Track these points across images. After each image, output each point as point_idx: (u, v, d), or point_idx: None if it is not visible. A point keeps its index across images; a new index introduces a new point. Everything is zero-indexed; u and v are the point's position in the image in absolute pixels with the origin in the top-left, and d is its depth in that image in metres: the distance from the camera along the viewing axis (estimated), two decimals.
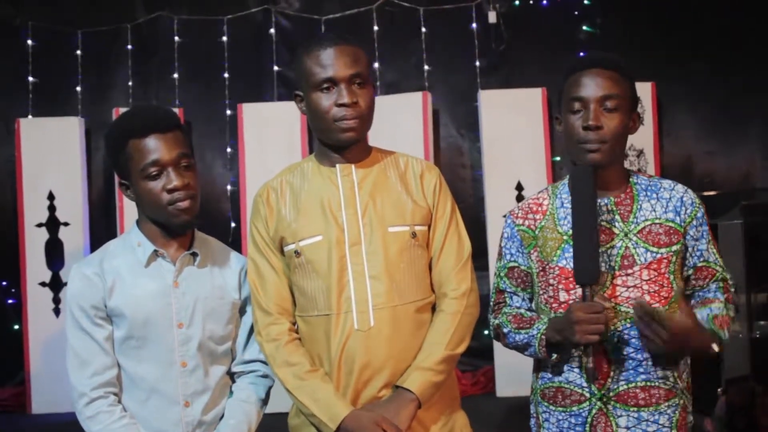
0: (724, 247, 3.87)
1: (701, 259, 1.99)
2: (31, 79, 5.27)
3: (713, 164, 5.42)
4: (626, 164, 5.02)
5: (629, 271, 1.94)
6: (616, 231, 1.97)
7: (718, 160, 5.43)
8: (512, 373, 4.80)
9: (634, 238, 1.96)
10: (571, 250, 1.95)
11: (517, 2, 5.38)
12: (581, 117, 1.94)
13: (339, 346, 1.95)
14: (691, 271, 2.01)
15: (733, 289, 2.04)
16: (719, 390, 3.77)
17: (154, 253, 2.04)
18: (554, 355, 1.98)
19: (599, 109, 1.93)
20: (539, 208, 2.08)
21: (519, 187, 5.07)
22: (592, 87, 1.94)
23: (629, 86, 1.99)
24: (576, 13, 5.34)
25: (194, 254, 2.08)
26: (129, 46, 5.32)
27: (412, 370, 1.95)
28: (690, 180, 5.30)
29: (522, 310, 2.10)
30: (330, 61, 1.95)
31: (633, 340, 1.93)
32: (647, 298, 1.93)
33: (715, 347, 1.91)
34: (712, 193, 4.87)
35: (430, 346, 1.98)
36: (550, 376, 2.03)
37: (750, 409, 3.65)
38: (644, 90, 5.18)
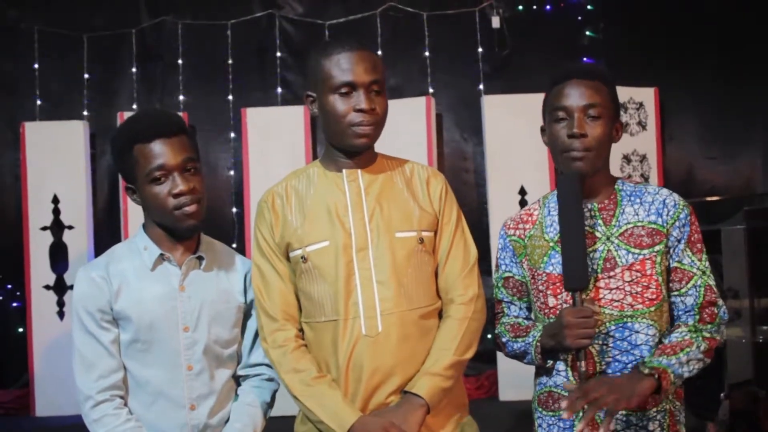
0: (727, 252, 3.87)
1: (676, 260, 1.97)
2: (37, 83, 5.29)
3: (716, 169, 5.42)
4: (630, 169, 5.02)
5: (611, 273, 1.95)
6: (599, 235, 1.98)
7: (721, 166, 5.43)
8: (515, 378, 4.80)
9: (616, 241, 1.97)
10: (557, 256, 1.97)
11: (520, 7, 5.40)
12: (566, 126, 1.96)
13: (347, 352, 1.94)
14: (669, 274, 2.00)
15: (719, 300, 1.98)
16: (722, 395, 3.77)
17: (160, 256, 2.04)
18: (549, 362, 2.00)
19: (583, 118, 1.95)
20: (529, 218, 2.11)
21: (522, 192, 5.08)
22: (575, 96, 1.96)
23: (611, 95, 2.01)
24: (579, 18, 5.35)
25: (200, 258, 2.08)
26: (134, 51, 5.34)
27: (421, 375, 1.94)
28: (692, 185, 5.31)
29: (519, 319, 2.11)
30: (350, 66, 1.94)
31: (618, 343, 1.94)
32: (629, 299, 1.93)
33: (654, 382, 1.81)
34: (714, 198, 4.86)
35: (439, 352, 1.97)
36: (544, 381, 2.05)
37: (753, 413, 3.65)
38: (647, 95, 5.18)
